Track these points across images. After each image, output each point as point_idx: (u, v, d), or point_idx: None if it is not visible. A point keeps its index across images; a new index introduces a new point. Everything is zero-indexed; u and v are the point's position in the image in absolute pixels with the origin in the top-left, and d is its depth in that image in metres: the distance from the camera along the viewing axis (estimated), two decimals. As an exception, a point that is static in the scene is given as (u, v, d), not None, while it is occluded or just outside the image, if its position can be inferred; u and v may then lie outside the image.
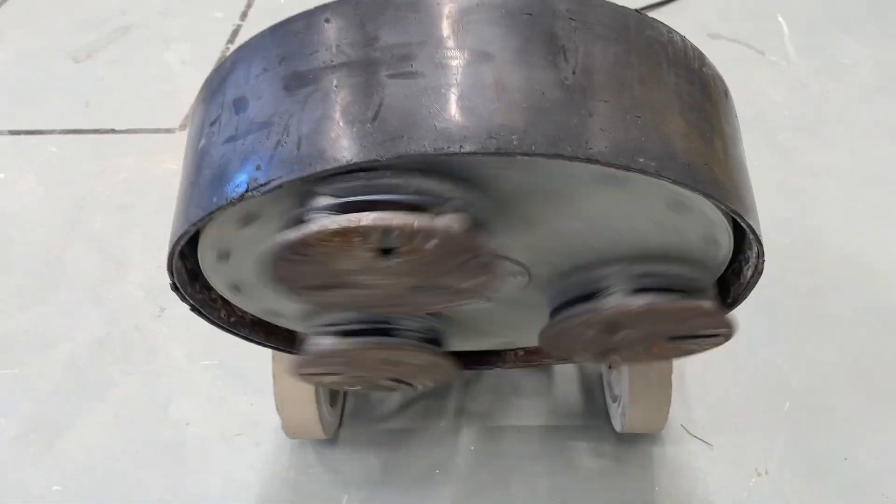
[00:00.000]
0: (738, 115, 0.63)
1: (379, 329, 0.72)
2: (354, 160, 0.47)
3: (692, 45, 0.57)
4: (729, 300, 0.69)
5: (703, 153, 0.52)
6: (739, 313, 1.07)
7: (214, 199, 0.53)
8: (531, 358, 0.87)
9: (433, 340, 0.74)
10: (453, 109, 0.47)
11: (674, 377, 0.87)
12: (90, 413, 1.03)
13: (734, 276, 0.69)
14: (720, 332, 0.67)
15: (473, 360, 0.89)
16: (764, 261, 0.62)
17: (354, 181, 0.50)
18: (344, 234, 0.49)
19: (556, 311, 0.68)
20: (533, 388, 1.02)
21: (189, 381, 1.06)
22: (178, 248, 0.58)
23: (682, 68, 0.55)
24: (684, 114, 0.52)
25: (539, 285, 0.69)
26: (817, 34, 1.62)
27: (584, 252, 0.62)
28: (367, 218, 0.48)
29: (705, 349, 0.71)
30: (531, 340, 0.85)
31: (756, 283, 0.65)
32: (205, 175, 0.55)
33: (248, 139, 0.52)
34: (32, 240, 1.27)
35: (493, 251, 0.54)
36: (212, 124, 0.56)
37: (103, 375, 1.07)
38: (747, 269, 0.65)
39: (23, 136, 1.49)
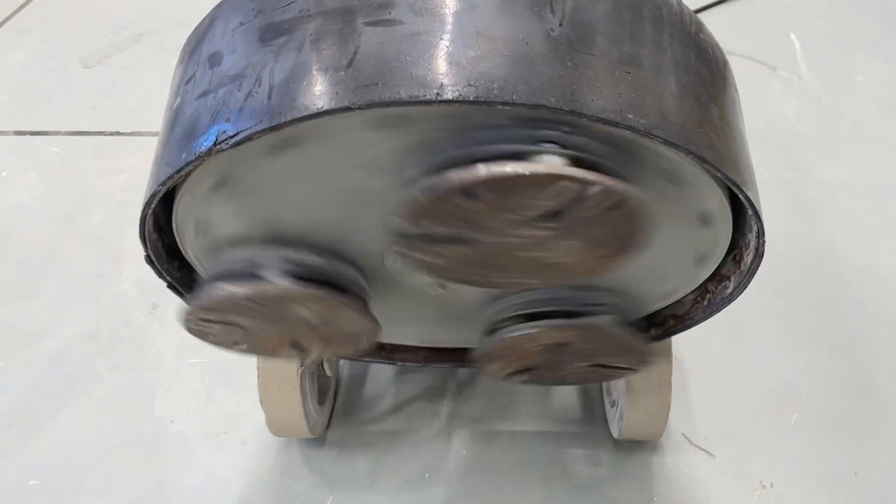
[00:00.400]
0: (740, 96, 0.60)
1: (299, 276, 0.61)
2: (326, 108, 0.45)
3: (690, 10, 0.55)
4: (730, 291, 0.66)
5: (698, 117, 0.49)
6: (748, 322, 1.05)
7: (183, 156, 0.50)
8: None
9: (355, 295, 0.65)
10: (431, 57, 0.45)
11: (677, 386, 0.84)
12: (73, 407, 1.00)
13: (734, 265, 0.65)
14: (638, 365, 0.72)
15: (461, 357, 0.85)
16: (765, 242, 0.58)
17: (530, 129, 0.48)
18: (547, 180, 0.46)
19: (497, 326, 0.69)
20: (529, 393, 0.98)
21: (176, 378, 1.03)
22: (150, 210, 0.56)
23: (678, 30, 0.52)
24: (678, 75, 0.50)
25: (492, 297, 0.69)
26: (830, 52, 1.59)
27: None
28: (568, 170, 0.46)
29: (619, 377, 0.76)
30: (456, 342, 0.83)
31: (758, 268, 0.61)
32: (176, 133, 0.53)
33: (219, 92, 0.50)
34: (28, 235, 1.25)
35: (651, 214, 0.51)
36: (187, 83, 0.55)
37: (89, 370, 1.05)
38: (748, 255, 0.62)
39: (27, 137, 1.49)
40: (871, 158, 1.32)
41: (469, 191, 0.47)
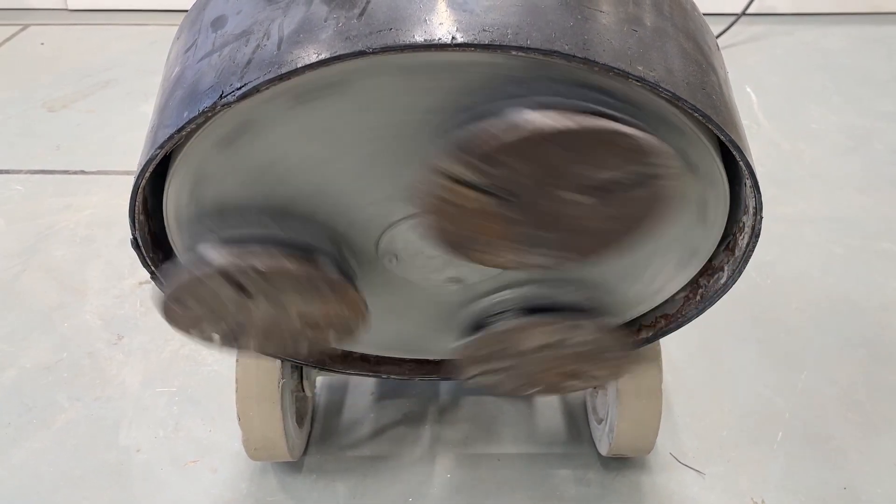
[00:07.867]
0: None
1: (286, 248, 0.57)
2: (340, 52, 0.45)
3: (683, -9, 0.56)
4: (724, 280, 0.66)
5: (700, 79, 0.50)
6: (727, 347, 1.05)
7: (186, 114, 0.49)
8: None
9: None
10: (445, 5, 0.45)
11: (662, 408, 0.82)
12: (29, 438, 0.94)
13: (727, 254, 0.66)
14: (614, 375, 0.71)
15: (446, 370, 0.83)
16: (762, 218, 0.59)
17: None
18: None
19: (482, 322, 0.68)
20: (513, 416, 0.96)
21: (142, 408, 0.98)
22: (143, 180, 0.54)
23: (676, 4, 0.54)
24: (679, 40, 0.51)
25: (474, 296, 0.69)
26: (786, 104, 1.66)
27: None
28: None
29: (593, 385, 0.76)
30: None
31: (753, 250, 0.62)
32: (176, 96, 0.51)
33: (224, 51, 0.49)
34: (-15, 268, 1.20)
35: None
36: (187, 51, 0.54)
37: (48, 401, 0.99)
38: (742, 239, 0.63)
39: (-13, 176, 1.45)
40: (831, 195, 1.36)
41: (556, 138, 0.46)
